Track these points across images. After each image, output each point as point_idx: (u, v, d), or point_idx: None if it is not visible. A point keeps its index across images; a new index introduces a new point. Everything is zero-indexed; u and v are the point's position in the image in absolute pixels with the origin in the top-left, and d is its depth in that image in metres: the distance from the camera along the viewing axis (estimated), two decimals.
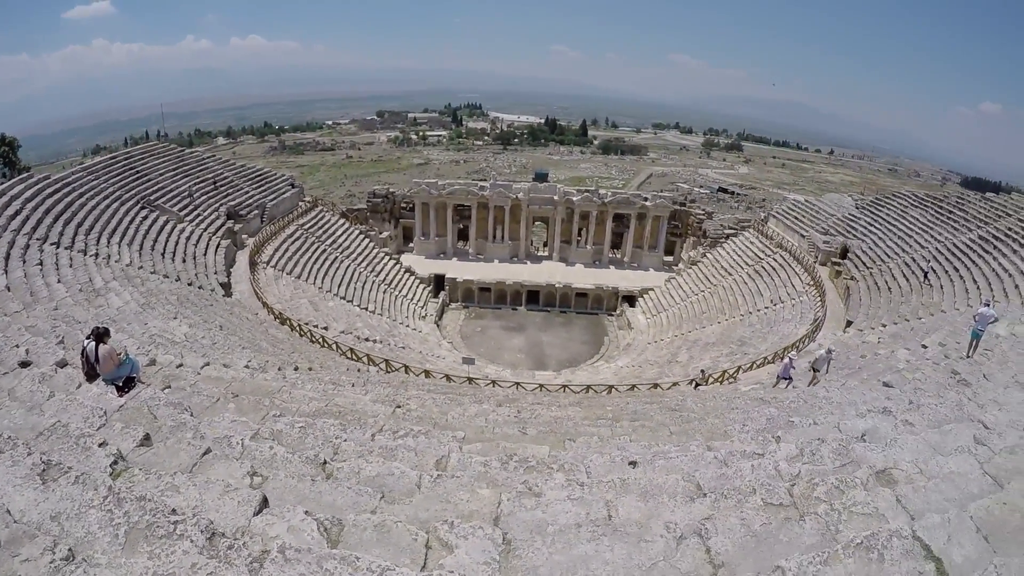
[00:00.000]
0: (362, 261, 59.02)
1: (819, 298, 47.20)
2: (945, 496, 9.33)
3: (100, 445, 7.47)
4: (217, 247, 44.29)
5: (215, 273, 40.30)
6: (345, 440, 10.86)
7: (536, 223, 71.73)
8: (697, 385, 33.23)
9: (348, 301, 50.39)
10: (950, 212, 51.47)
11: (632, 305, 60.66)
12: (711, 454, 13.25)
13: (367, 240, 63.21)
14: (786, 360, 28.85)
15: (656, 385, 33.63)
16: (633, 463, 11.91)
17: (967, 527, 7.60)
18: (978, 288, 38.65)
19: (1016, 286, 36.48)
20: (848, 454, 12.62)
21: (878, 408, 18.75)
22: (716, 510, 8.87)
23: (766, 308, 49.52)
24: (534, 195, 64.20)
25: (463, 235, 71.78)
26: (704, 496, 9.79)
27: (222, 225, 47.83)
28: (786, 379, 28.00)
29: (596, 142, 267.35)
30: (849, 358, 30.39)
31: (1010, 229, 44.18)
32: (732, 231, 62.09)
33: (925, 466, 10.78)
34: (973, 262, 42.38)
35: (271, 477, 7.99)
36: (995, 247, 42.72)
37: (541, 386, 31.85)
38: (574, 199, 63.06)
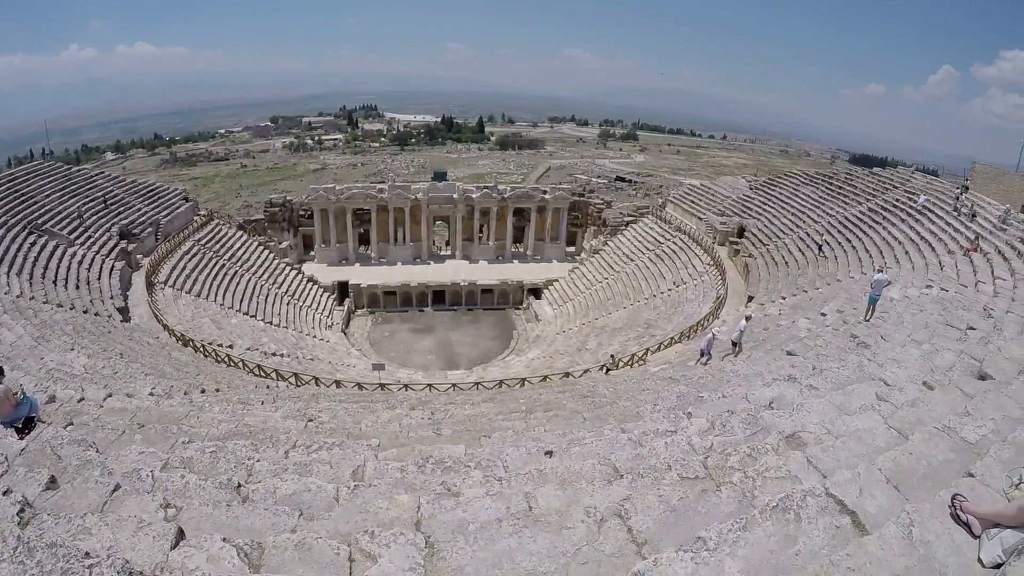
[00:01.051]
0: (263, 274, 57.42)
1: (720, 277, 48.40)
2: (854, 452, 9.50)
3: (4, 493, 6.98)
4: (111, 270, 42.34)
5: (111, 298, 38.49)
6: (258, 460, 10.63)
7: (437, 223, 71.32)
8: (608, 370, 33.53)
9: (252, 316, 48.94)
10: (840, 188, 53.67)
11: (538, 297, 60.92)
12: (625, 436, 13.28)
13: (267, 251, 61.56)
14: (709, 336, 29.46)
15: (568, 374, 33.83)
16: (549, 453, 11.88)
17: (877, 479, 7.72)
18: (870, 257, 40.36)
19: (906, 252, 38.16)
20: (758, 422, 12.81)
21: (783, 376, 19.15)
22: (634, 490, 8.84)
23: (669, 290, 50.47)
24: (433, 195, 63.71)
25: (364, 240, 70.64)
26: (621, 478, 9.77)
27: (115, 246, 45.76)
28: (708, 354, 28.60)
29: (493, 138, 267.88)
30: (753, 331, 31.14)
31: (897, 200, 46.29)
32: (632, 218, 63.03)
33: (832, 426, 10.98)
34: (864, 232, 44.34)
35: (185, 507, 7.69)
36: (884, 218, 44.75)
37: (454, 385, 31.60)
38: (474, 196, 62.92)
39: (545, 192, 63.65)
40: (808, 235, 48.47)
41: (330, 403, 20.95)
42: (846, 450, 9.40)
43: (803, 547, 6.92)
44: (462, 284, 61.91)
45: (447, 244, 74.63)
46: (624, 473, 10.17)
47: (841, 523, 6.81)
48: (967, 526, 6.88)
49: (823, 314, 30.41)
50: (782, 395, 14.73)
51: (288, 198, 72.62)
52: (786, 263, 46.58)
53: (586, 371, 34.17)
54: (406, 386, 31.16)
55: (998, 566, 6.41)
